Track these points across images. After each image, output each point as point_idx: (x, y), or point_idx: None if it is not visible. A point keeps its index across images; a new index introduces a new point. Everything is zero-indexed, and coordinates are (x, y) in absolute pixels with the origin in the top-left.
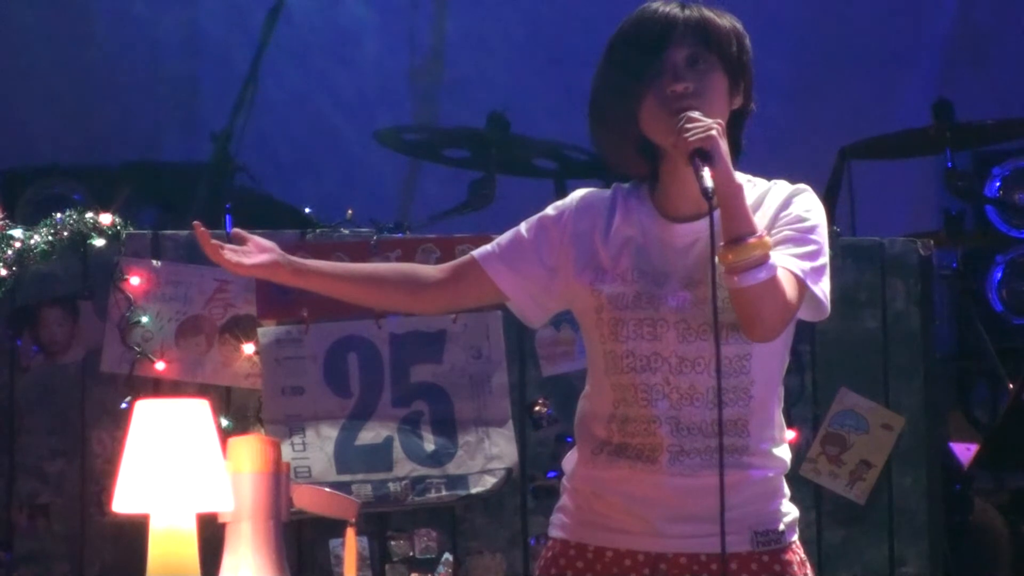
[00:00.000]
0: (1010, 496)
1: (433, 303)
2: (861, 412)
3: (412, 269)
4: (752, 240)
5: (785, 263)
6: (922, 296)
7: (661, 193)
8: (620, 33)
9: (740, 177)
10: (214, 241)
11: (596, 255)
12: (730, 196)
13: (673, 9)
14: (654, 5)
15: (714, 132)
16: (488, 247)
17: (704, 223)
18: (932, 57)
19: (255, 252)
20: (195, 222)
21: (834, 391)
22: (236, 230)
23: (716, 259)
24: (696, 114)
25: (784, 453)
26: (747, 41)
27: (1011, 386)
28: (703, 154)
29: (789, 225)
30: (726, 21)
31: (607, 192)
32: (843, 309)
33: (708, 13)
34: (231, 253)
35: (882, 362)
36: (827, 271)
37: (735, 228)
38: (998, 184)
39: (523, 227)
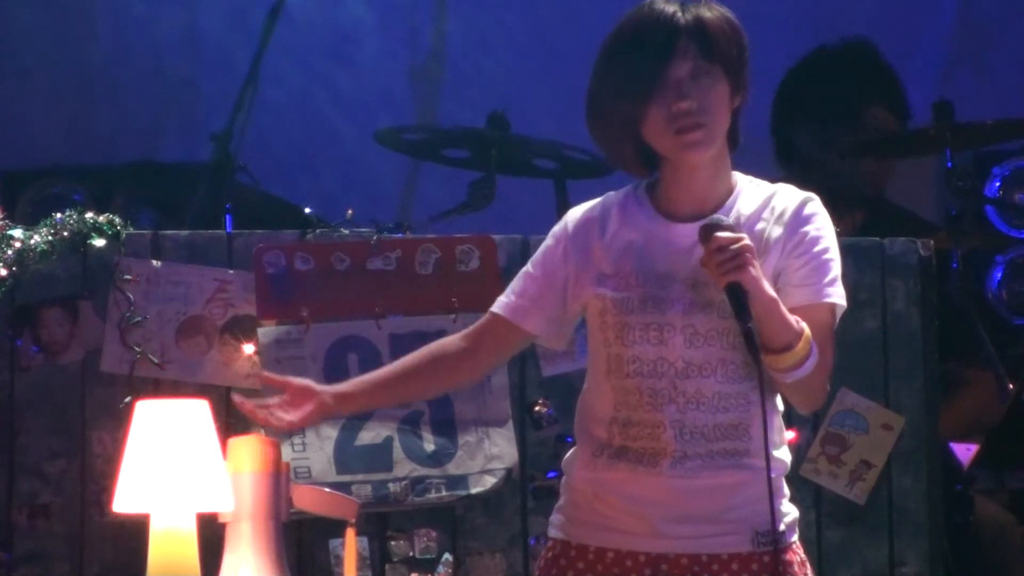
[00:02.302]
0: (1010, 496)
1: (472, 372)
2: (861, 412)
3: (439, 349)
4: (798, 345)
5: (821, 297)
6: (922, 296)
7: (661, 194)
8: (619, 39)
9: (742, 179)
10: (255, 404)
11: (598, 263)
12: (770, 314)
13: (673, 15)
14: (654, 8)
15: (750, 268)
16: (503, 298)
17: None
18: (932, 57)
19: (297, 399)
20: (234, 395)
21: (834, 391)
22: (267, 375)
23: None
24: (725, 226)
25: (784, 455)
26: (744, 38)
27: (1011, 386)
28: (738, 287)
29: (808, 253)
30: (724, 23)
31: (596, 202)
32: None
33: (707, 16)
34: (278, 414)
35: (882, 362)
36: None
37: (779, 339)
38: (998, 184)
39: (528, 266)
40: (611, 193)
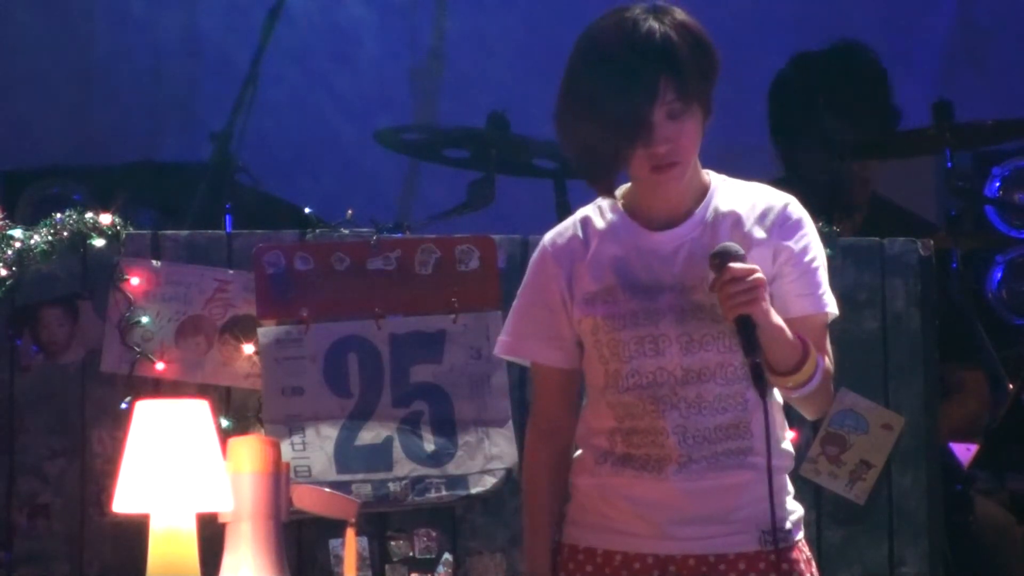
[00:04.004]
0: (1010, 496)
1: (569, 438)
2: (861, 412)
3: (549, 460)
4: (806, 364)
5: (821, 307)
6: (922, 296)
7: (635, 204)
8: (595, 64)
9: (716, 177)
10: None
11: (583, 282)
12: (778, 342)
13: (649, 52)
14: (634, 39)
15: (763, 302)
16: (503, 337)
17: (686, 228)
18: (932, 57)
19: None
20: None
21: (834, 391)
22: None
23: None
24: (738, 256)
25: (789, 448)
26: (716, 58)
27: (1011, 386)
28: (748, 320)
29: (801, 264)
30: (699, 52)
31: (569, 222)
32: (843, 309)
33: (682, 48)
34: None
35: (882, 362)
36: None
37: (788, 362)
38: (998, 184)
39: (523, 301)
40: (581, 210)
